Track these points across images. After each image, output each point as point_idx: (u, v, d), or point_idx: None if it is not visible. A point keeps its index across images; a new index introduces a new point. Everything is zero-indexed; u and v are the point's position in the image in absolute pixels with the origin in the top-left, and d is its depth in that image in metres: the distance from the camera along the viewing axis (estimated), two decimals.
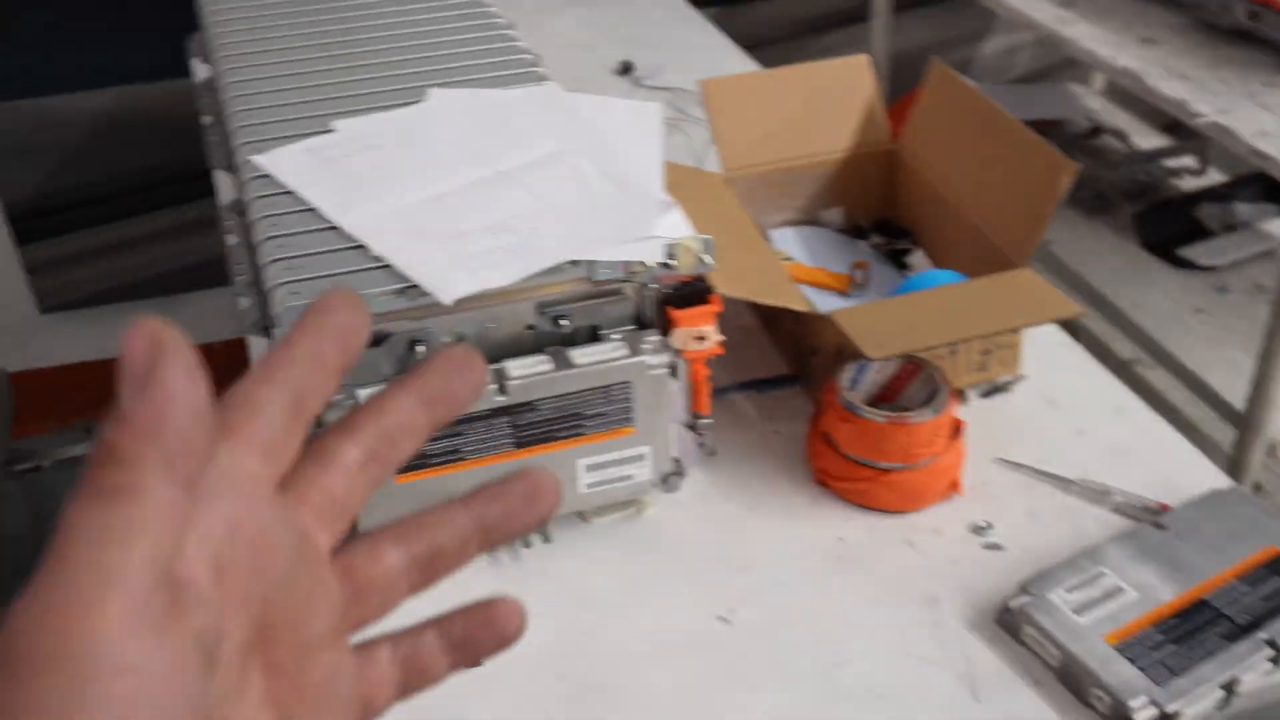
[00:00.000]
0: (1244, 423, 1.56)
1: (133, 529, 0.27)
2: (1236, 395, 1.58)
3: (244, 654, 0.31)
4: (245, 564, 0.30)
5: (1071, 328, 1.14)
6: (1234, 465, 1.60)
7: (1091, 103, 2.17)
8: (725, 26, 2.00)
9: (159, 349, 0.27)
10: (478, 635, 0.37)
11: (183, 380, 0.28)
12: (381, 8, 1.16)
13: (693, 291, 0.83)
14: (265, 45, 1.08)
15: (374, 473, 0.34)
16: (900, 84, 2.07)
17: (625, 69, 1.61)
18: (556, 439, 0.81)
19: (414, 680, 0.36)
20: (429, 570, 0.36)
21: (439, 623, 0.36)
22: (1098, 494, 0.93)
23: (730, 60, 1.68)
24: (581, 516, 0.89)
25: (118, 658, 0.26)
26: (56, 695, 0.26)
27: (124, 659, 0.26)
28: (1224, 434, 1.66)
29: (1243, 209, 1.91)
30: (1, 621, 0.27)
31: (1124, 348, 1.76)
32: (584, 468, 0.84)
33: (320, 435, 0.34)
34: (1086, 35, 1.62)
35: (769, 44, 2.29)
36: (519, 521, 0.37)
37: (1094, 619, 0.79)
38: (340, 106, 0.96)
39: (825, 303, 1.10)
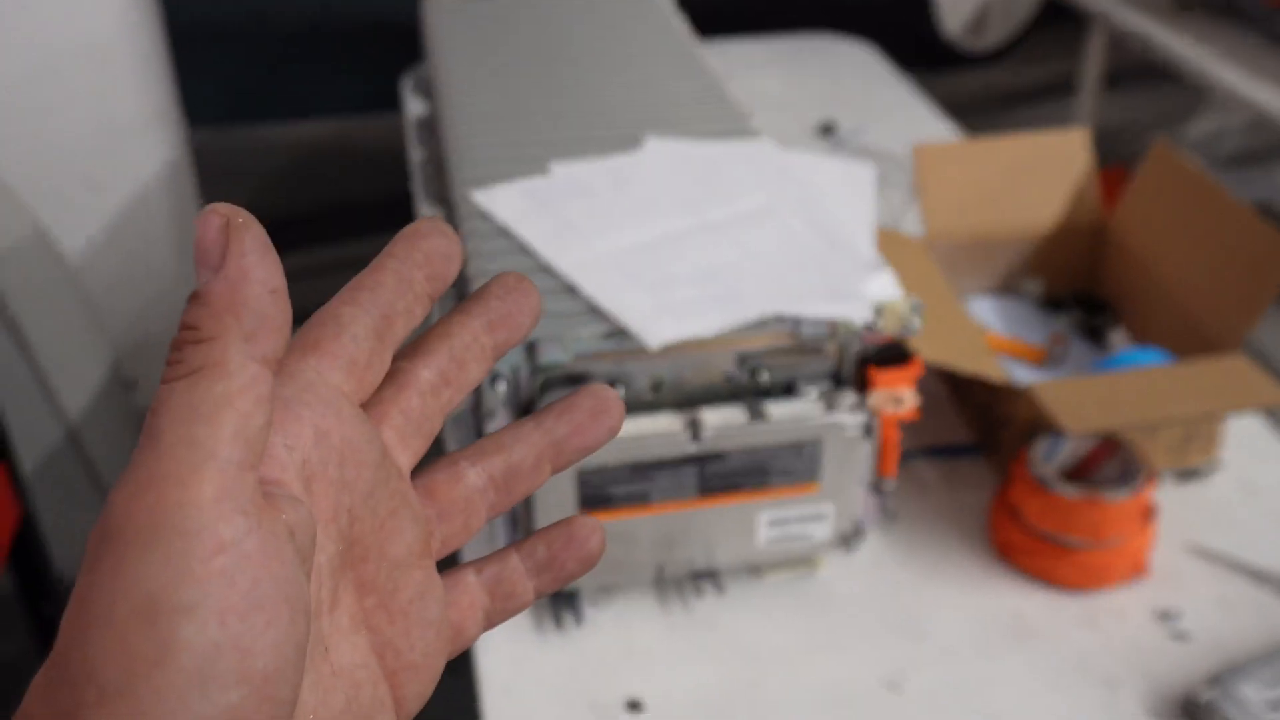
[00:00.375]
0: None
1: (219, 404, 0.27)
2: None
3: (335, 570, 0.31)
4: (333, 474, 0.31)
5: (1275, 417, 1.11)
6: None
7: None
8: (927, 92, 2.00)
9: (232, 230, 0.28)
10: (560, 555, 0.36)
11: (257, 258, 0.28)
12: (603, 56, 1.20)
13: (894, 353, 0.83)
14: (488, 85, 1.13)
15: (446, 395, 0.35)
16: (1103, 158, 2.04)
17: (827, 129, 1.63)
18: (741, 489, 0.83)
19: (502, 606, 0.36)
20: (507, 490, 0.36)
21: (520, 546, 0.36)
22: None
23: (933, 125, 1.68)
24: (754, 571, 0.90)
25: (214, 534, 0.26)
26: (156, 569, 0.26)
27: (220, 535, 0.26)
28: None
29: None
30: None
31: None
32: (765, 521, 0.85)
33: (394, 359, 0.34)
34: None
35: (972, 112, 2.28)
36: (589, 437, 0.36)
37: None
38: (557, 150, 1.00)
39: (1018, 374, 1.10)
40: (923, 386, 0.95)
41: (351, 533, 0.32)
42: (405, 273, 0.33)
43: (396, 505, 0.33)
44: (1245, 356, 0.97)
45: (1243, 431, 1.05)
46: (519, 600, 0.36)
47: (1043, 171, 1.21)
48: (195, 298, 0.28)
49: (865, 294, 0.82)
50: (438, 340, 0.34)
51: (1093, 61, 2.07)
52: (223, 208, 0.28)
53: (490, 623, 0.36)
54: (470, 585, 0.35)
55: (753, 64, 1.89)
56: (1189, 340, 1.06)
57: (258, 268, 0.28)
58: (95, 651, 0.26)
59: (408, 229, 0.34)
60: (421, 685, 0.34)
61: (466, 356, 0.34)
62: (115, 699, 0.25)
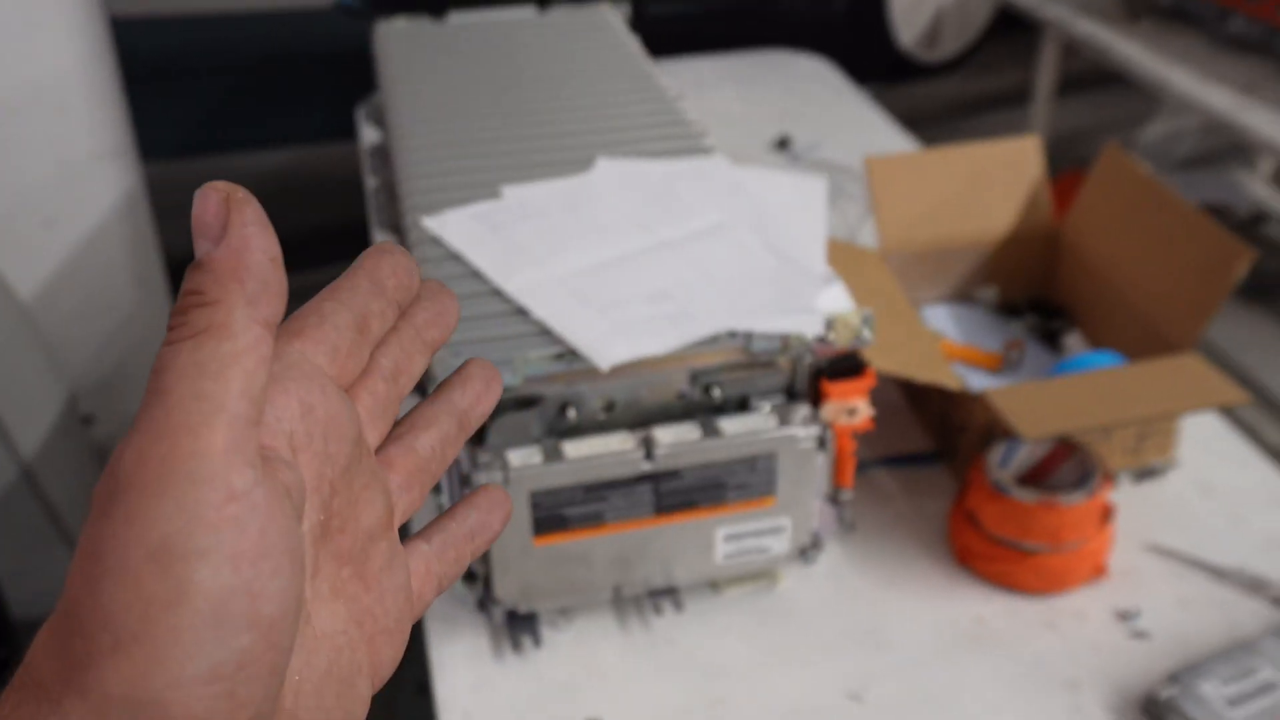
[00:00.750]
0: None
1: (225, 362, 0.28)
2: None
3: (316, 540, 0.33)
4: (317, 448, 0.33)
5: (1230, 416, 1.11)
6: None
7: (1256, 189, 2.12)
8: (883, 104, 2.01)
9: (233, 203, 0.30)
10: (487, 518, 0.40)
11: (257, 228, 0.30)
12: (555, 79, 1.21)
13: (848, 365, 0.84)
14: (439, 111, 1.13)
15: (401, 383, 0.38)
16: (1057, 165, 2.05)
17: (783, 144, 1.64)
18: (697, 506, 0.83)
19: (450, 570, 0.39)
20: (443, 459, 0.40)
21: (454, 514, 0.40)
22: (1254, 585, 0.90)
23: (888, 138, 1.69)
24: (713, 587, 0.90)
25: (226, 483, 0.28)
26: (170, 515, 0.27)
27: (232, 484, 0.28)
28: None
29: None
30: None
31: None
32: (722, 537, 0.85)
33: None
34: (1265, 122, 1.58)
35: (928, 123, 2.29)
36: (486, 404, 0.41)
37: (1247, 714, 0.77)
38: (509, 174, 1.00)
39: (975, 381, 1.10)
40: (880, 395, 0.96)
41: (331, 505, 0.33)
42: (378, 278, 0.37)
43: (368, 479, 0.35)
44: (1200, 357, 0.97)
45: (1199, 430, 1.06)
46: (461, 564, 0.40)
47: (995, 180, 1.22)
48: (198, 265, 0.30)
49: (817, 307, 0.83)
50: (390, 335, 0.38)
51: (1046, 69, 2.09)
52: (220, 184, 0.30)
53: (441, 587, 0.39)
54: (424, 553, 0.38)
55: (708, 82, 1.90)
56: (1144, 343, 1.07)
57: (258, 237, 0.30)
58: (108, 599, 0.26)
59: (372, 248, 0.38)
60: (394, 649, 0.36)
61: (412, 349, 0.38)
62: (130, 644, 0.26)
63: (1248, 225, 2.03)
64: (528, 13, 1.46)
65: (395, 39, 1.36)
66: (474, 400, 0.41)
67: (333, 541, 0.34)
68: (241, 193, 0.30)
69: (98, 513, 0.27)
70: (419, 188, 0.98)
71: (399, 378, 0.38)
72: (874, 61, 2.23)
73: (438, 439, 0.39)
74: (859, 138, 1.68)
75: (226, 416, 0.28)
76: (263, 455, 0.29)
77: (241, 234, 0.30)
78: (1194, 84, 1.70)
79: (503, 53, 1.30)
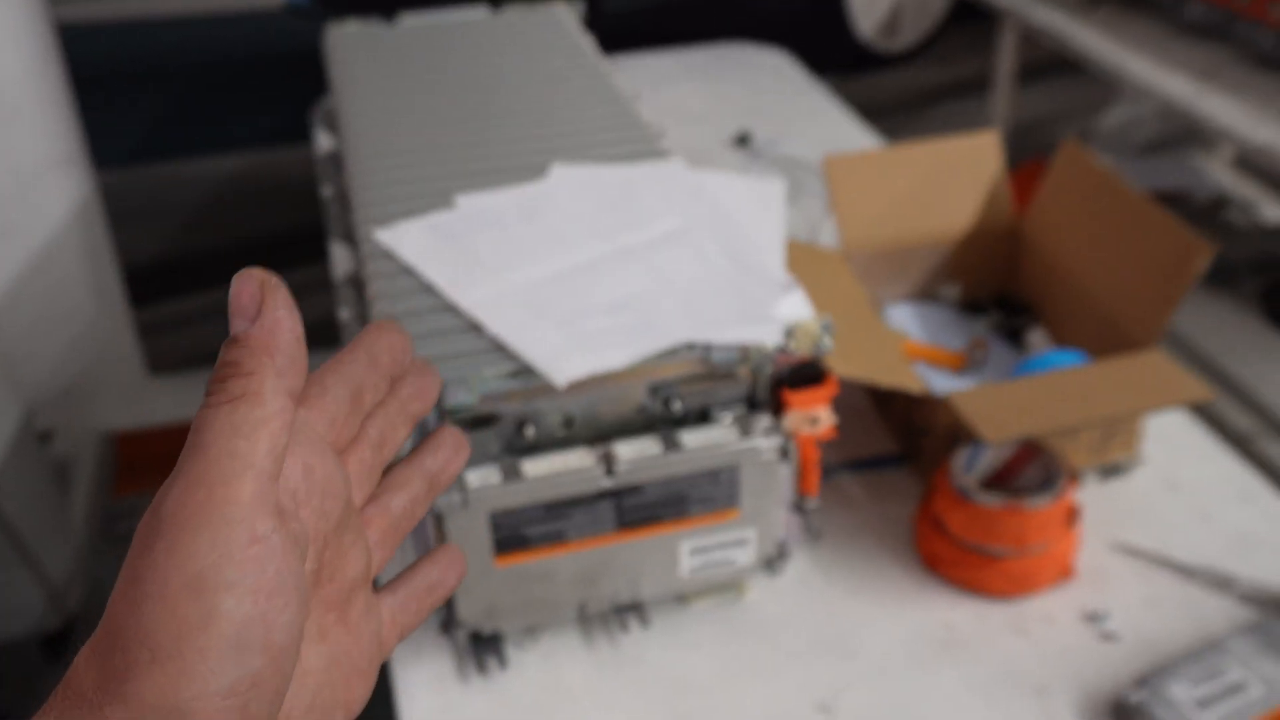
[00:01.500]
0: None
1: (257, 425, 0.34)
2: None
3: (308, 587, 0.36)
4: (315, 503, 0.37)
5: (1196, 406, 1.11)
6: None
7: (1218, 174, 2.12)
8: (844, 95, 2.00)
9: (266, 288, 0.36)
10: (444, 575, 0.46)
11: (286, 311, 0.36)
12: (509, 83, 1.19)
13: (808, 373, 0.83)
14: (392, 117, 1.11)
15: (385, 452, 0.44)
16: (1019, 154, 2.05)
17: (743, 140, 1.63)
18: (660, 521, 0.81)
19: (411, 620, 0.44)
20: (411, 518, 0.45)
21: (415, 570, 0.45)
22: (1222, 583, 0.90)
23: (849, 131, 1.68)
24: (680, 600, 0.89)
25: (251, 527, 0.33)
26: (205, 551, 0.32)
27: (255, 529, 0.33)
28: None
29: None
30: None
31: (1249, 424, 1.70)
32: (687, 551, 0.83)
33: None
34: (1221, 109, 1.58)
35: (889, 113, 2.29)
36: (455, 468, 0.47)
37: (1217, 715, 0.76)
38: (464, 181, 0.98)
39: (940, 381, 1.09)
40: (846, 399, 0.95)
41: (323, 556, 0.39)
42: (374, 354, 0.43)
43: (354, 535, 0.41)
44: (1163, 352, 0.97)
45: (1164, 425, 1.05)
46: (421, 615, 0.45)
47: (955, 176, 1.21)
48: (234, 341, 0.35)
49: (776, 316, 0.82)
50: (379, 408, 0.44)
51: (1005, 58, 2.08)
52: (256, 271, 0.36)
53: (403, 635, 0.44)
54: (391, 604, 0.43)
55: (669, 77, 1.89)
56: (1106, 339, 1.06)
57: (287, 319, 0.36)
58: (149, 620, 0.31)
59: (371, 325, 0.44)
60: (365, 689, 0.41)
61: (397, 421, 0.44)
62: (166, 660, 0.31)
63: (1208, 211, 2.03)
64: (480, 13, 1.44)
65: (346, 42, 1.34)
66: (444, 464, 0.46)
67: (322, 589, 0.39)
68: (274, 279, 0.36)
69: (141, 547, 0.32)
70: (372, 199, 0.96)
71: (384, 446, 0.44)
72: (834, 52, 2.23)
73: (409, 499, 0.44)
74: (820, 131, 1.68)
75: (254, 472, 0.33)
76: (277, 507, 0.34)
77: (274, 315, 0.35)
78: (1151, 71, 1.70)
79: (456, 55, 1.29)
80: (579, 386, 0.77)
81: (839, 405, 0.85)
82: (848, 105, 1.80)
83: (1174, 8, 1.81)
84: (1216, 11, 1.72)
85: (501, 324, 0.79)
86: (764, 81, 1.88)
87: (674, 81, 1.87)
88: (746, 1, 2.14)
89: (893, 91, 2.31)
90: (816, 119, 1.74)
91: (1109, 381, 0.96)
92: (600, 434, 0.80)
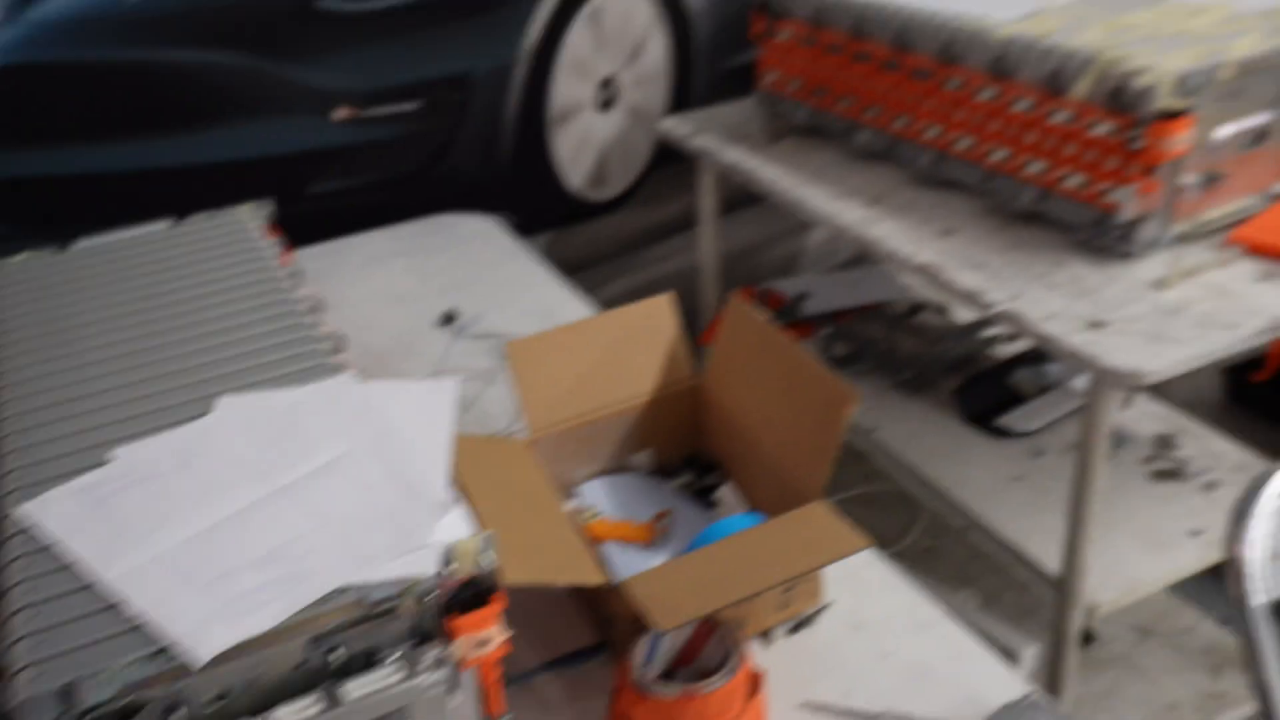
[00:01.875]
0: (1062, 588, 1.58)
1: None
2: (1054, 560, 1.60)
3: None
4: None
5: (910, 506, 1.16)
6: (1057, 630, 1.62)
7: (911, 280, 2.25)
8: (559, 250, 2.05)
9: None
10: None
11: None
12: (185, 305, 1.17)
13: (474, 594, 0.83)
14: (51, 364, 1.07)
15: None
16: (732, 282, 2.14)
17: (449, 319, 1.65)
18: None
19: None
20: None
21: None
22: None
23: (554, 293, 1.72)
24: None
25: None
26: None
27: None
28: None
29: (1053, 369, 1.96)
30: None
31: (955, 520, 1.79)
32: None
33: None
34: (890, 233, 1.68)
35: (604, 260, 2.36)
36: None
37: None
38: (126, 427, 0.96)
39: (628, 560, 1.11)
40: (544, 592, 0.95)
41: None
42: None
43: None
44: (824, 505, 1.01)
45: (849, 563, 1.10)
46: None
47: (634, 343, 1.25)
48: None
49: (434, 542, 0.82)
50: None
51: (706, 196, 2.17)
52: None
53: None
54: None
55: (377, 257, 1.90)
56: (779, 493, 1.10)
57: None
58: None
59: None
60: None
61: None
62: None
63: (904, 317, 2.15)
64: (160, 227, 1.42)
65: (12, 279, 1.30)
66: None
67: None
68: None
69: None
70: (18, 466, 0.93)
71: None
72: (547, 209, 2.29)
73: None
74: (528, 297, 1.71)
75: None
76: None
77: None
78: (827, 201, 1.80)
79: (131, 279, 1.26)
80: (230, 656, 0.75)
81: (535, 599, 0.85)
82: (554, 267, 1.84)
83: (845, 136, 1.92)
84: (883, 136, 1.84)
85: (143, 598, 0.78)
86: (473, 251, 1.91)
87: (383, 260, 1.88)
88: (453, 172, 2.18)
89: (609, 238, 2.38)
90: (523, 285, 1.77)
91: (779, 540, 0.99)
92: (262, 701, 0.78)
